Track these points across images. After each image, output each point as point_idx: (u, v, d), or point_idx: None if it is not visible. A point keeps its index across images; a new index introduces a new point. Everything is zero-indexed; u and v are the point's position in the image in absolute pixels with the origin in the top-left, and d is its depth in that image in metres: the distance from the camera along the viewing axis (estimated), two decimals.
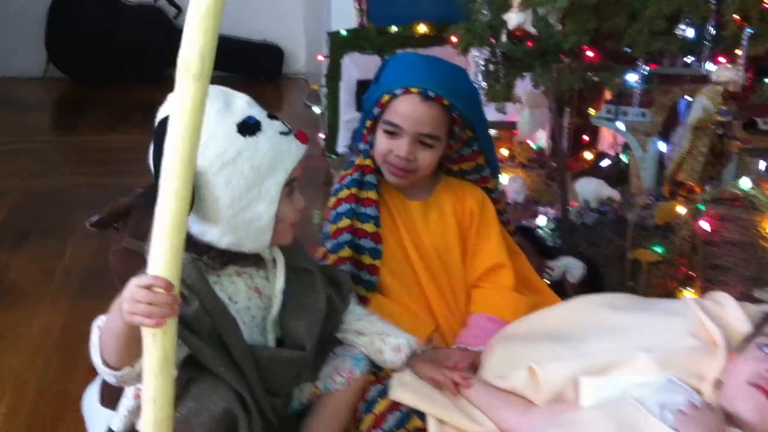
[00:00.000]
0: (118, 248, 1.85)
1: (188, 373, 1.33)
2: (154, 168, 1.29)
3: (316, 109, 4.10)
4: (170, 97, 1.32)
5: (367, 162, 1.81)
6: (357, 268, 1.76)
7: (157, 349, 1.12)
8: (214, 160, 1.28)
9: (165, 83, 1.25)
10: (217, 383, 1.31)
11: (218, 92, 1.35)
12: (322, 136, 3.98)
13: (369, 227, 1.78)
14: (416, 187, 1.86)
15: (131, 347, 1.20)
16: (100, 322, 1.29)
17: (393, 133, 1.74)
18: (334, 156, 3.89)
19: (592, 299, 1.71)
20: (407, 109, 1.71)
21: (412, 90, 1.69)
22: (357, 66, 3.90)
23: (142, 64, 5.69)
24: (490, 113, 3.30)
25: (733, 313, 1.54)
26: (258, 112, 1.35)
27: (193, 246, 1.34)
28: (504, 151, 3.38)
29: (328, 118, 3.92)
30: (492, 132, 3.52)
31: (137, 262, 1.81)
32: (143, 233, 1.82)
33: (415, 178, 1.79)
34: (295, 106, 5.62)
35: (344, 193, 1.80)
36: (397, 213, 1.84)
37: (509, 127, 3.55)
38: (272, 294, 1.44)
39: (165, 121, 1.16)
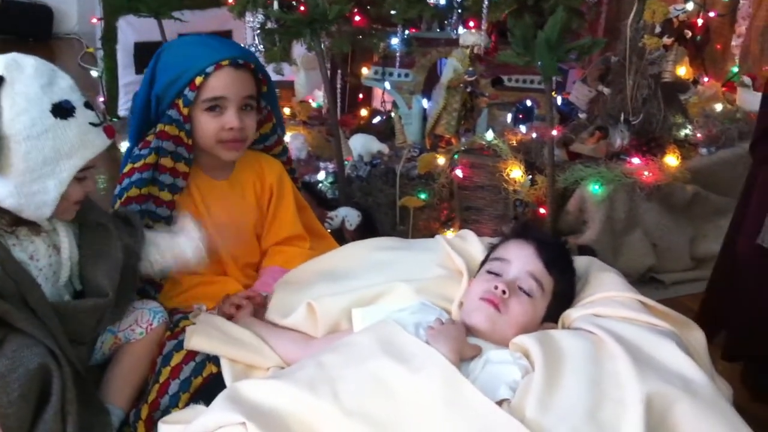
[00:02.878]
0: None
1: None
2: None
3: (94, 73, 4.03)
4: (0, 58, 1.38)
5: (182, 135, 1.80)
6: None
7: None
8: (20, 130, 1.36)
9: None
10: (28, 341, 1.40)
11: (46, 68, 1.42)
12: (101, 99, 3.94)
13: (165, 195, 1.82)
14: (218, 166, 1.91)
15: None
16: None
17: (217, 107, 1.79)
18: (115, 119, 3.88)
19: (361, 244, 1.94)
20: (225, 80, 1.77)
21: (223, 63, 1.76)
22: (133, 28, 3.87)
23: None
24: (273, 76, 3.46)
25: (474, 245, 1.84)
26: (77, 98, 1.43)
27: None
28: (286, 110, 3.54)
29: (106, 81, 3.89)
30: None
31: None
32: None
33: (245, 146, 1.87)
34: (68, 67, 5.34)
35: (148, 159, 1.80)
36: (197, 192, 1.89)
37: (288, 86, 3.72)
38: (62, 256, 1.54)
39: None
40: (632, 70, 2.47)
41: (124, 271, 1.60)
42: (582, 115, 2.70)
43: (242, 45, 2.02)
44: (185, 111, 1.79)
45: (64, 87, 1.42)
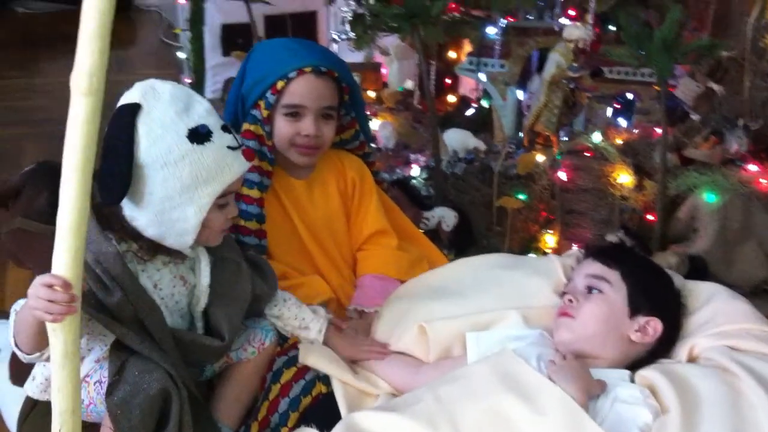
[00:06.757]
0: (11, 228, 1.85)
1: (120, 359, 1.41)
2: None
3: (181, 54, 4.03)
4: (137, 85, 1.36)
5: (264, 135, 1.82)
6: (241, 234, 1.80)
7: (59, 343, 1.18)
8: (157, 158, 1.33)
9: None
10: (149, 365, 1.39)
11: (182, 94, 1.38)
12: (188, 81, 3.94)
13: (254, 193, 1.82)
14: (298, 166, 1.90)
15: (40, 336, 1.25)
16: (17, 306, 1.33)
17: (296, 114, 1.80)
18: None
19: (471, 261, 1.89)
20: (306, 88, 1.77)
21: (305, 69, 1.76)
22: (220, 10, 3.87)
23: None
24: (356, 56, 3.41)
25: None
26: (214, 122, 1.39)
27: (122, 229, 1.40)
28: (371, 94, 3.48)
29: (193, 63, 3.88)
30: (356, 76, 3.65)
31: (32, 241, 1.84)
32: (37, 211, 1.85)
33: (320, 153, 1.87)
34: (151, 41, 5.46)
35: None
36: (281, 191, 1.89)
37: (373, 68, 3.66)
38: (197, 286, 1.52)
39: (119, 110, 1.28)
40: (750, 70, 2.33)
41: (248, 311, 1.60)
42: (695, 117, 2.56)
43: (329, 49, 1.97)
44: (265, 113, 1.81)
45: (201, 111, 1.38)
